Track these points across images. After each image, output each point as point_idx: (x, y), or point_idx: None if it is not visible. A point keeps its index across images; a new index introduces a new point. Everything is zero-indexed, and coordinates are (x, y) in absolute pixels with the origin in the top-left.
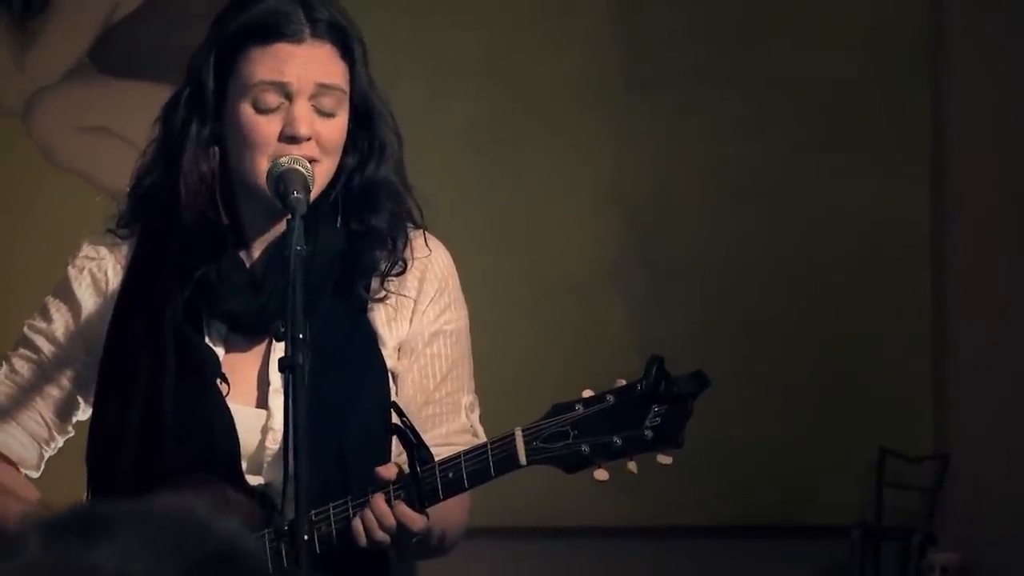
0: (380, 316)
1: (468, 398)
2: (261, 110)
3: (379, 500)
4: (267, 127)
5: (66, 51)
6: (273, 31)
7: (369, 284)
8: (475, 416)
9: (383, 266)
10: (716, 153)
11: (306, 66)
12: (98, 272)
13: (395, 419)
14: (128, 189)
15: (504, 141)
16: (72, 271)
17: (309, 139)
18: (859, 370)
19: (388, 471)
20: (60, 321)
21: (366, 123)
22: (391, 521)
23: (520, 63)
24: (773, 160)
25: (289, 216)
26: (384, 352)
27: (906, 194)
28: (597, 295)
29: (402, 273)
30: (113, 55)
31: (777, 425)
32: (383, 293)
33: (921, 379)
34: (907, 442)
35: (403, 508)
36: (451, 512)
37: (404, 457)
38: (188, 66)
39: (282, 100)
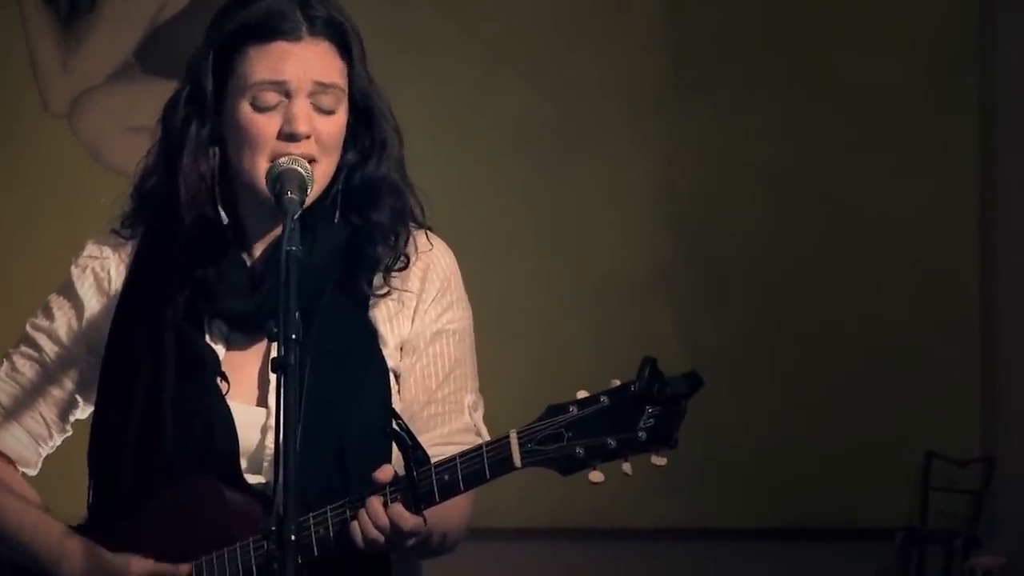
0: (382, 314)
1: (471, 397)
2: (260, 108)
3: (374, 501)
4: (266, 125)
5: (112, 52)
6: (270, 29)
7: (372, 279)
8: (478, 415)
9: (386, 261)
10: (765, 155)
11: (304, 64)
12: (101, 271)
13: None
14: (131, 190)
15: (554, 142)
16: (75, 270)
17: (308, 137)
18: (906, 373)
19: (385, 473)
20: (62, 319)
21: (366, 120)
22: (385, 521)
23: (570, 64)
24: (822, 162)
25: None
26: (385, 351)
27: (955, 196)
28: (646, 296)
29: (404, 268)
30: (159, 55)
31: (823, 428)
32: (386, 289)
33: (969, 382)
34: (954, 445)
35: (397, 508)
36: (452, 513)
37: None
38: (187, 66)
39: (281, 98)
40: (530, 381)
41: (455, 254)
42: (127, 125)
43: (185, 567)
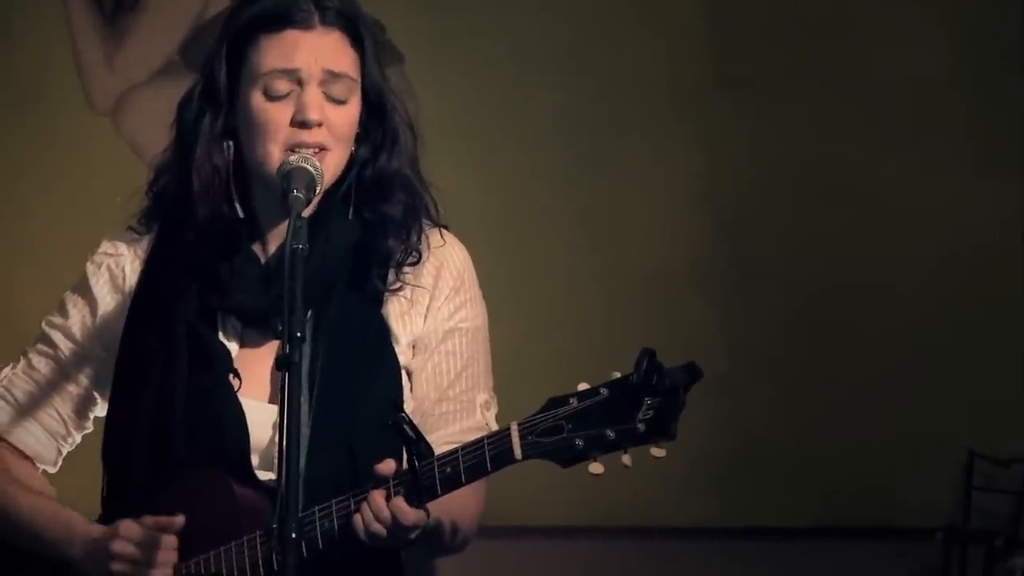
0: (394, 311)
1: (484, 396)
2: (272, 97)
3: (376, 494)
4: (278, 113)
5: (156, 50)
6: (282, 19)
7: (385, 275)
8: (491, 414)
9: (398, 256)
10: (805, 151)
11: (315, 52)
12: (115, 268)
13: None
14: (147, 186)
15: (591, 137)
16: (90, 267)
17: (320, 124)
18: (949, 371)
19: (387, 467)
20: (77, 317)
21: (378, 114)
22: (386, 515)
23: (609, 59)
24: (862, 158)
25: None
26: (397, 348)
27: (998, 192)
28: (684, 291)
29: (416, 263)
30: (203, 53)
31: (863, 426)
32: (398, 284)
33: (1012, 381)
34: (996, 444)
35: (398, 502)
36: (462, 508)
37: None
38: (203, 61)
39: (293, 86)
40: (568, 376)
41: (496, 249)
42: (171, 123)
43: (180, 518)
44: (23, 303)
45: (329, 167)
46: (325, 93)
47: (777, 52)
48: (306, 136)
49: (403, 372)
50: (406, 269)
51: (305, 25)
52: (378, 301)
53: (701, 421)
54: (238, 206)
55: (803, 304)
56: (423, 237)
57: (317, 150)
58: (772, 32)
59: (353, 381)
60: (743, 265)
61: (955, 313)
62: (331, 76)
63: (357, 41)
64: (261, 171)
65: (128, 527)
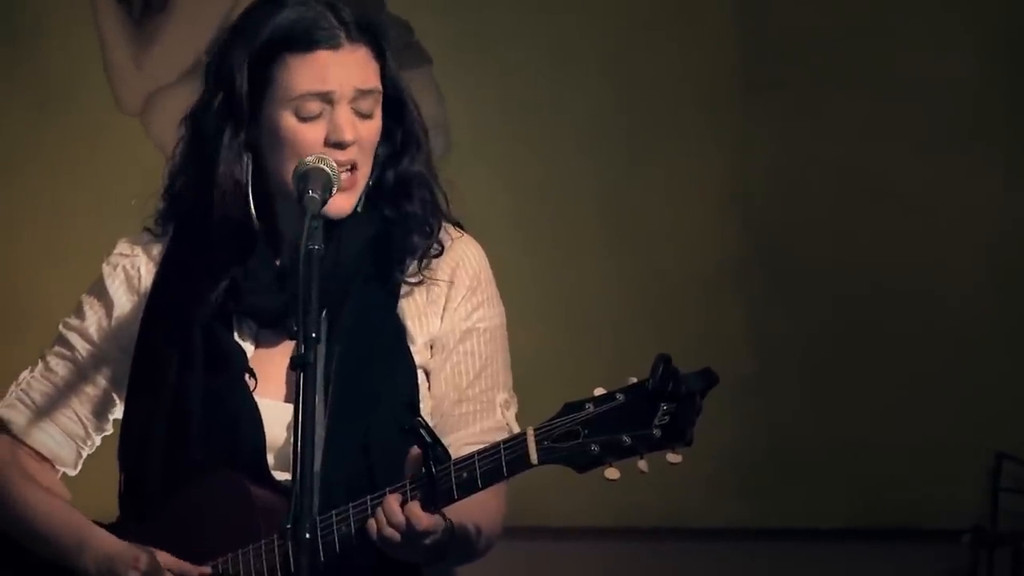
0: (411, 310)
1: (503, 395)
2: (303, 118)
3: (392, 499)
4: (311, 134)
5: (184, 50)
6: (309, 39)
7: (405, 268)
8: (511, 414)
9: (421, 249)
10: (837, 154)
11: (346, 72)
12: (131, 269)
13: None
14: (162, 189)
15: (624, 140)
16: (106, 268)
17: (354, 143)
18: (977, 373)
19: (414, 456)
20: (93, 318)
21: (398, 115)
22: (400, 519)
23: (637, 62)
24: (894, 161)
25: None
26: (413, 348)
27: None
28: (716, 295)
29: (439, 255)
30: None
31: (893, 428)
32: (419, 277)
33: None
34: None
35: (412, 507)
36: (483, 511)
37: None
38: (212, 72)
39: (324, 106)
40: (601, 380)
41: (527, 251)
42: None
43: (206, 570)
44: (53, 304)
45: (360, 179)
46: (354, 109)
47: (807, 55)
48: (339, 155)
49: (420, 372)
50: (427, 262)
51: (333, 44)
52: (396, 295)
53: (730, 422)
54: (255, 219)
55: (832, 306)
56: (441, 229)
57: (350, 167)
58: (802, 35)
59: (368, 381)
60: (772, 267)
61: (983, 315)
62: (360, 93)
63: (379, 51)
64: (289, 189)
65: (148, 562)
